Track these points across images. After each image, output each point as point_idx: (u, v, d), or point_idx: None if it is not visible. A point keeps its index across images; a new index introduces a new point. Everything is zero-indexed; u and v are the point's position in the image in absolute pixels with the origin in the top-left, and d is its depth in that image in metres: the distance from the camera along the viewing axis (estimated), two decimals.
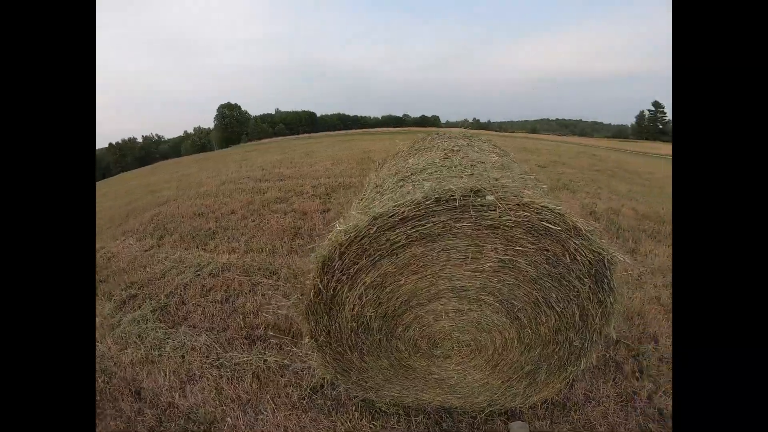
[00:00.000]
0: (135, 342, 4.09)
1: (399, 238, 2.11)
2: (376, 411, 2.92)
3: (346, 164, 12.00)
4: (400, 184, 2.53)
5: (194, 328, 4.13)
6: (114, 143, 77.26)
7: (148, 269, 5.83)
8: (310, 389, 3.10)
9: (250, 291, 4.52)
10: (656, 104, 66.94)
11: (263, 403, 3.03)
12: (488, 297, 2.31)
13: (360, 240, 2.12)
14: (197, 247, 6.24)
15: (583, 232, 2.00)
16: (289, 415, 2.92)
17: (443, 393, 2.80)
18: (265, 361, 3.43)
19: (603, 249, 2.03)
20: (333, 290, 2.27)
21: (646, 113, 68.17)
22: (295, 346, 3.48)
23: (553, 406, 2.87)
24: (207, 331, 3.99)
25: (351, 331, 2.47)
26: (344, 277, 2.24)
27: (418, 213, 2.06)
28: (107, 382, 3.63)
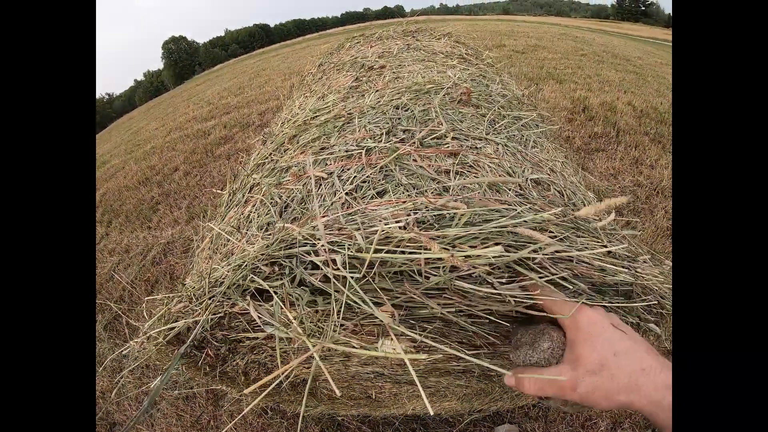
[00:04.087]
0: (98, 371, 3.52)
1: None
2: (337, 426, 2.38)
3: (298, 77, 10.54)
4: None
5: (149, 338, 3.45)
6: None
7: (98, 270, 5.05)
8: (260, 407, 2.55)
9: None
10: None
11: (222, 425, 2.62)
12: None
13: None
14: (142, 227, 5.35)
15: None
16: None
17: (410, 403, 1.99)
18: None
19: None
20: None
21: None
22: None
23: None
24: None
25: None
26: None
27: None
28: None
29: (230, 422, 2.59)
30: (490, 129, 1.44)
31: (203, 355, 1.17)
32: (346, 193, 0.99)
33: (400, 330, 0.68)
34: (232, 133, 7.12)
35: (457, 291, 0.75)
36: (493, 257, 0.71)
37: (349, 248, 0.70)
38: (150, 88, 70.58)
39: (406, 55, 2.33)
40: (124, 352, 3.07)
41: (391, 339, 0.68)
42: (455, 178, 1.06)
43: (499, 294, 0.73)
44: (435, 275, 0.72)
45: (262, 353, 1.20)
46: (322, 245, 0.70)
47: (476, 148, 1.26)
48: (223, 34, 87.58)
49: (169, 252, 4.29)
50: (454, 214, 0.81)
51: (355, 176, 1.06)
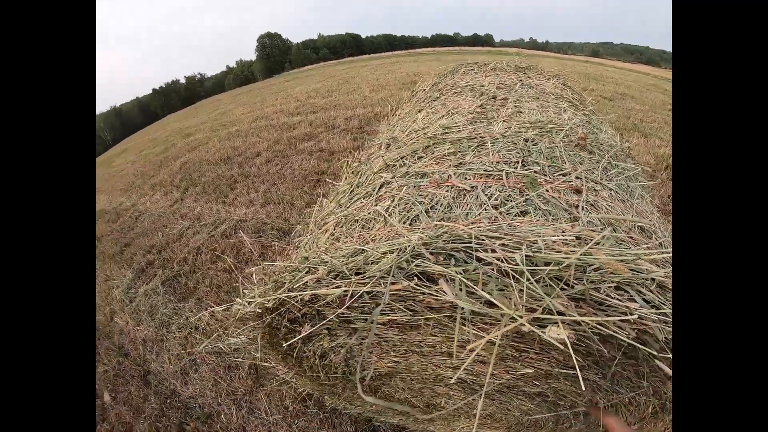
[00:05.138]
0: (146, 318, 3.71)
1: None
2: (372, 430, 2.39)
3: (386, 91, 10.74)
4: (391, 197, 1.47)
5: (201, 302, 3.61)
6: (158, 88, 79.09)
7: (168, 229, 5.33)
8: (305, 394, 2.56)
9: (260, 256, 3.83)
10: None
11: (257, 401, 2.65)
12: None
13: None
14: (217, 200, 5.61)
15: None
16: (281, 419, 2.52)
17: (460, 424, 1.93)
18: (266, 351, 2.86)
19: None
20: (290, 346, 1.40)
21: None
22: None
23: None
24: (212, 307, 3.41)
25: (325, 376, 1.62)
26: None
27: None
28: (121, 363, 3.36)
29: (266, 401, 2.63)
30: (603, 175, 1.49)
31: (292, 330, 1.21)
32: (492, 207, 1.03)
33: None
34: (316, 132, 7.37)
35: (592, 301, 0.84)
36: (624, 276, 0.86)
37: (526, 249, 0.75)
38: (240, 75, 74.25)
39: (522, 91, 2.40)
40: (194, 318, 3.15)
41: (558, 325, 0.78)
42: (582, 212, 1.12)
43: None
44: (579, 284, 0.81)
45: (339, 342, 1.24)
46: (499, 244, 0.76)
47: (595, 190, 1.33)
48: (315, 37, 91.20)
49: (239, 228, 4.47)
50: (601, 238, 0.86)
51: (498, 194, 1.10)
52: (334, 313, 1.02)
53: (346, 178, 1.78)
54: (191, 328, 3.34)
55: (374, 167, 1.66)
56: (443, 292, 0.79)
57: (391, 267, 0.82)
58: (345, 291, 0.88)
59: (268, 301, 1.10)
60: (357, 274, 0.89)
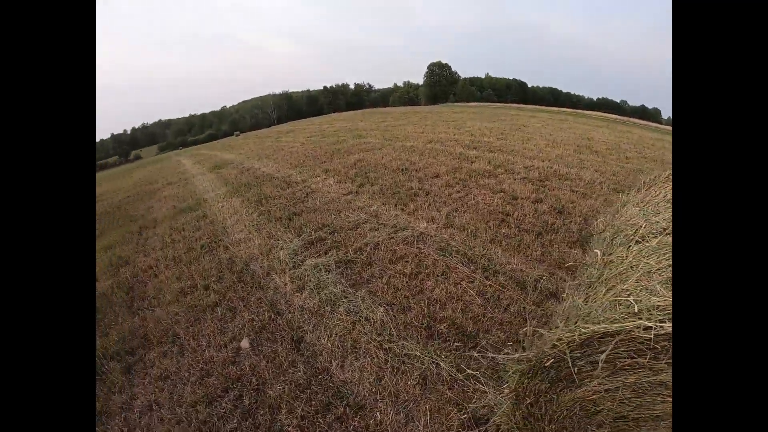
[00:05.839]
0: (311, 289, 3.90)
1: None
2: None
3: (562, 149, 10.45)
4: None
5: (374, 296, 3.67)
6: (328, 87, 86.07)
7: (342, 215, 5.68)
8: (473, 417, 2.42)
9: (442, 274, 3.85)
10: None
11: (419, 412, 2.54)
12: None
13: None
14: (396, 206, 5.84)
15: None
16: None
17: None
18: (437, 365, 2.80)
19: None
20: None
21: None
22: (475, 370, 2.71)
23: None
24: (387, 305, 3.48)
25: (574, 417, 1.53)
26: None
27: None
28: (272, 320, 3.56)
29: (428, 414, 2.49)
30: None
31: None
32: None
33: None
34: (496, 171, 7.37)
35: None
36: None
37: None
38: (405, 95, 77.89)
39: None
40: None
41: None
42: None
43: None
44: None
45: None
46: None
47: None
48: (482, 76, 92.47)
49: (420, 240, 4.57)
50: None
51: None
52: None
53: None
54: (362, 318, 3.38)
55: None
56: None
57: None
58: None
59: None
60: None
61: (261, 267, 4.58)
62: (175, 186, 12.16)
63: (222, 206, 7.58)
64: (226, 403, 2.77)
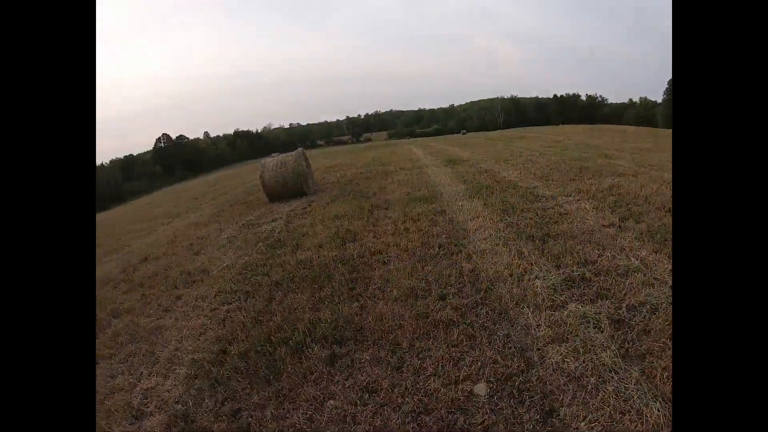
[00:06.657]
0: (575, 346, 3.09)
1: None
2: None
3: None
4: None
5: (650, 381, 2.67)
6: (557, 95, 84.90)
7: (607, 254, 4.70)
8: None
9: None
10: None
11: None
12: None
13: None
14: (668, 257, 4.60)
15: None
16: None
17: None
18: None
19: None
20: None
21: None
22: None
23: None
24: (664, 399, 2.50)
25: None
26: None
27: None
28: (522, 372, 2.88)
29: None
30: None
31: None
32: None
33: None
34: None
35: None
36: None
37: None
38: (642, 114, 71.54)
39: None
40: None
41: None
42: None
43: None
44: None
45: None
46: None
47: None
48: None
49: None
50: None
51: None
52: None
53: None
54: (633, 408, 2.42)
55: None
56: None
57: None
58: None
59: None
60: None
61: (510, 293, 4.01)
62: (408, 172, 12.60)
63: (462, 205, 7.38)
64: None
